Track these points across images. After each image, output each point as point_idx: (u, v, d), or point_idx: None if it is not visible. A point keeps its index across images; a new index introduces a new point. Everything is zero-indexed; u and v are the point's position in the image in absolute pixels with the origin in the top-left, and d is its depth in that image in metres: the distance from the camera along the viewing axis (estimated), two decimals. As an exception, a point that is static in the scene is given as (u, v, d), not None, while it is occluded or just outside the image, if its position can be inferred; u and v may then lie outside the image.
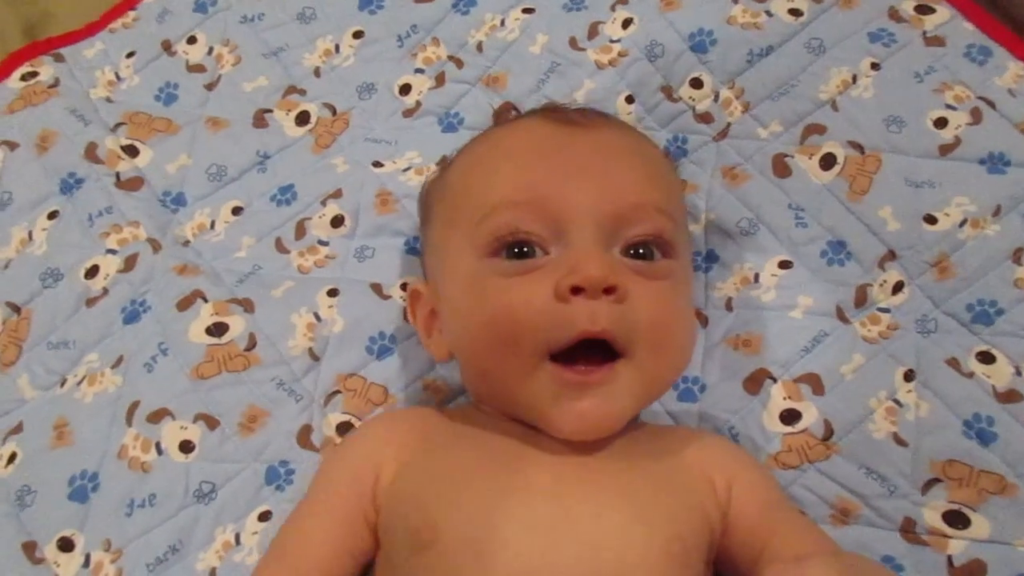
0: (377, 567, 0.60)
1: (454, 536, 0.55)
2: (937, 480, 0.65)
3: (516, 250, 0.59)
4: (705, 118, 0.82)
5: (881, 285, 0.72)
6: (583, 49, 0.86)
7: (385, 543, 0.59)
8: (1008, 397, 0.66)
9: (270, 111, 0.87)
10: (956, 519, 0.64)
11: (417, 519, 0.57)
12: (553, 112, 0.69)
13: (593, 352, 0.57)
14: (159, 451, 0.70)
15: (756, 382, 0.70)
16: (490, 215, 0.60)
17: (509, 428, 0.61)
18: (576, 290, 0.56)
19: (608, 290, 0.56)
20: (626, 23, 0.86)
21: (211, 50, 0.91)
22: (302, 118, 0.87)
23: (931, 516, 0.64)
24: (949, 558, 0.63)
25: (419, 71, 0.88)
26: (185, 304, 0.76)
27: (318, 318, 0.75)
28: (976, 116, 0.75)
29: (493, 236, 0.60)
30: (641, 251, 0.61)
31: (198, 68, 0.90)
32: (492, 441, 0.61)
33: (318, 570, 0.59)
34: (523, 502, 0.55)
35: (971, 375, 0.68)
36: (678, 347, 0.63)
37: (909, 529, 0.65)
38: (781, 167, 0.78)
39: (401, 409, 0.73)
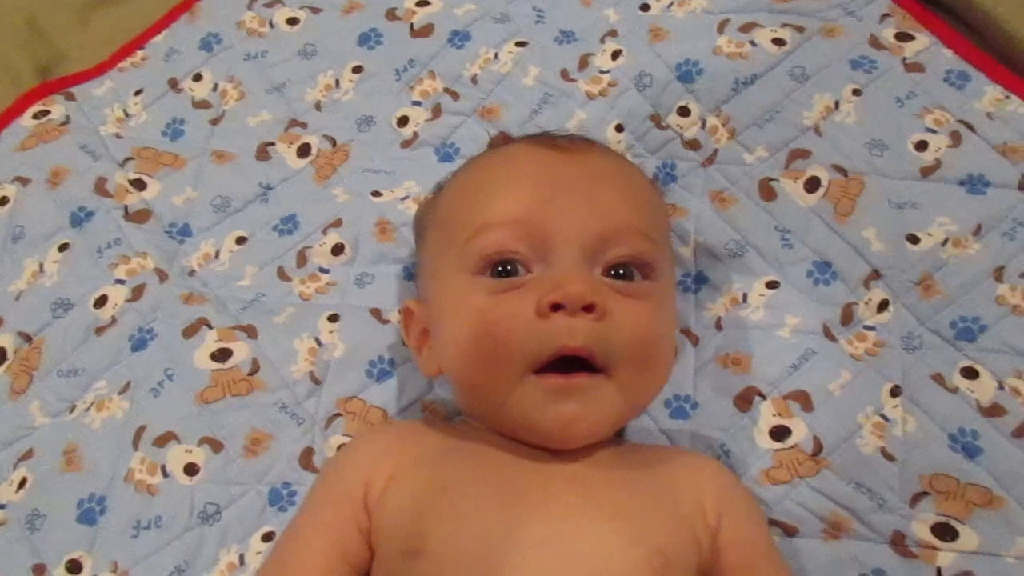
0: (373, 572, 0.61)
1: (444, 545, 0.56)
2: (925, 493, 0.66)
3: (501, 268, 0.61)
4: (693, 145, 0.84)
5: (866, 304, 0.74)
6: (574, 80, 0.88)
7: (378, 549, 0.61)
8: (992, 411, 0.68)
9: (273, 144, 0.90)
10: (945, 532, 0.65)
11: (408, 527, 0.58)
12: (541, 139, 0.71)
13: (575, 370, 0.59)
14: (165, 474, 0.72)
15: (746, 399, 0.72)
16: (477, 235, 0.62)
17: (499, 442, 0.62)
18: (556, 307, 0.58)
19: (588, 308, 0.58)
20: (615, 55, 0.88)
21: (216, 86, 0.93)
22: (303, 150, 0.89)
23: (920, 529, 0.65)
24: (939, 570, 0.64)
25: (416, 104, 0.90)
26: (191, 331, 0.78)
27: (319, 343, 0.77)
28: (956, 139, 0.77)
29: (480, 255, 0.62)
30: (622, 271, 0.62)
31: (203, 104, 0.93)
32: (484, 454, 0.62)
33: None
34: (511, 514, 0.57)
35: (956, 390, 0.69)
36: (658, 365, 0.64)
37: (899, 542, 0.66)
38: (767, 191, 0.80)
39: (393, 421, 0.74)
